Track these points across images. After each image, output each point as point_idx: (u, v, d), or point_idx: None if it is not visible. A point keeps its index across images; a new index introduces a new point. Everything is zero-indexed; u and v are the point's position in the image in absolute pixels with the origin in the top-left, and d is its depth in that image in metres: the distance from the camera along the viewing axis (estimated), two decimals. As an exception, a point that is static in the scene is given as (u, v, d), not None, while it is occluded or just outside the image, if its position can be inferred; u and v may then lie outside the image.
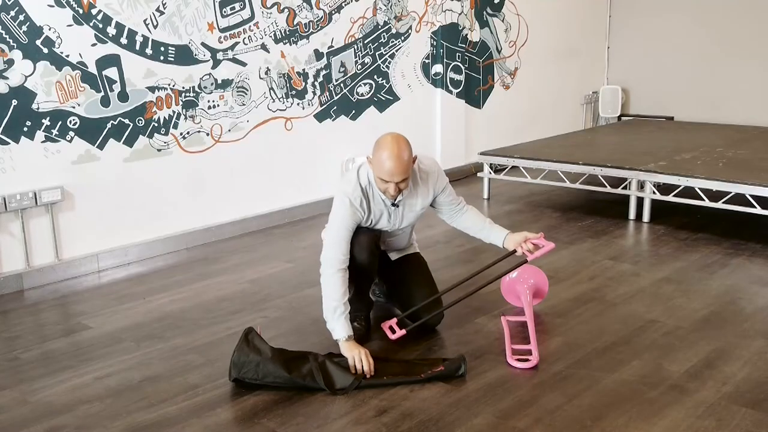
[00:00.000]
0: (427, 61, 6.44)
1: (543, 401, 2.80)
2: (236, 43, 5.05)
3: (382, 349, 3.28)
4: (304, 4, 5.41)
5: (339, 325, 3.05)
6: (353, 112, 5.90)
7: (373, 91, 6.02)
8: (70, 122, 4.34)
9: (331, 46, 5.64)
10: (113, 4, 4.43)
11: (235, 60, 5.06)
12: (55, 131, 4.29)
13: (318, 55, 5.56)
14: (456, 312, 3.64)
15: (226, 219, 5.19)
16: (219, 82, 4.99)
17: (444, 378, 2.95)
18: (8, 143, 4.12)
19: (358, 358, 2.95)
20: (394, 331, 3.32)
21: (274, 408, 2.79)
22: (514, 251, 3.31)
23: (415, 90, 6.39)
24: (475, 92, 6.97)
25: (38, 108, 4.20)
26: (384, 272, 3.56)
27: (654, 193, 5.17)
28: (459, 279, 3.51)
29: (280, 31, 5.30)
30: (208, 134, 5.00)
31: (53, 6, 4.19)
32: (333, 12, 5.61)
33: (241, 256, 4.74)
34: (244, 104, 5.17)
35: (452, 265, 4.39)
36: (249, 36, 5.12)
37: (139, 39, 4.57)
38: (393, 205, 3.23)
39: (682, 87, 7.89)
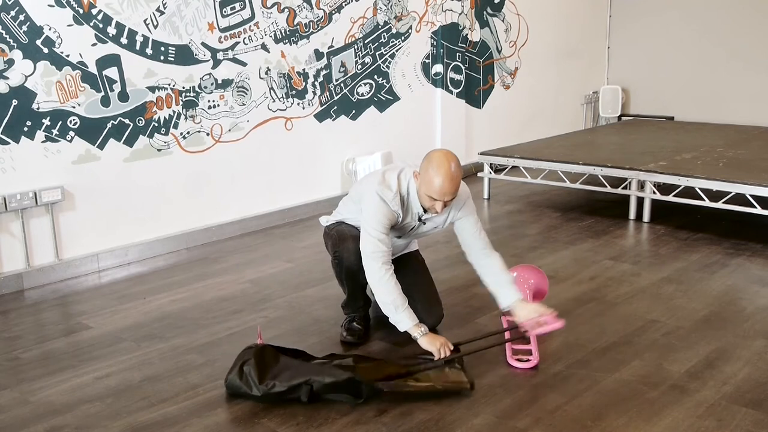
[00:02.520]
0: (427, 61, 6.44)
1: (543, 401, 2.80)
2: (236, 43, 5.05)
3: (385, 349, 3.29)
4: (305, 4, 5.41)
5: (405, 317, 3.03)
6: (353, 112, 5.90)
7: (373, 91, 6.02)
8: (71, 122, 4.34)
9: (332, 46, 5.64)
10: (113, 4, 4.43)
11: (235, 60, 5.06)
12: (55, 131, 4.29)
13: (318, 55, 5.56)
14: (456, 312, 3.65)
15: (226, 219, 5.19)
16: (219, 81, 4.99)
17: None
18: (8, 143, 4.12)
19: (444, 349, 2.97)
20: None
21: (274, 408, 2.79)
22: (518, 326, 3.13)
23: (416, 90, 6.39)
24: (475, 92, 6.96)
25: (38, 108, 4.20)
26: None
27: (654, 193, 5.17)
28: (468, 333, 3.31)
29: (281, 31, 5.30)
30: (208, 134, 5.00)
31: (53, 6, 4.19)
32: (333, 12, 5.61)
33: (241, 256, 4.74)
34: (244, 104, 5.17)
35: (452, 265, 4.38)
36: (249, 36, 5.12)
37: (139, 39, 4.57)
38: (419, 219, 3.22)
39: (682, 87, 7.89)
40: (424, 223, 3.26)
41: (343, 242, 3.31)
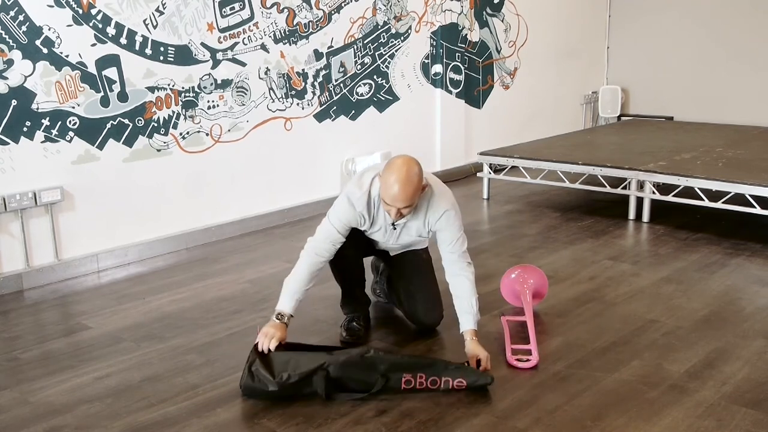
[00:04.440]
0: (426, 61, 6.44)
1: (543, 401, 2.80)
2: (236, 43, 5.05)
3: (384, 350, 3.28)
4: (304, 4, 5.41)
5: (282, 301, 3.07)
6: (353, 112, 5.90)
7: (372, 91, 6.02)
8: (70, 122, 4.34)
9: (331, 46, 5.64)
10: (113, 4, 4.43)
11: (234, 60, 5.06)
12: (54, 131, 4.29)
13: (318, 55, 5.56)
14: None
15: (226, 219, 5.19)
16: (219, 82, 4.99)
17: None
18: (8, 143, 4.12)
19: (269, 337, 2.90)
20: None
21: (274, 408, 2.79)
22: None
23: (415, 90, 6.39)
24: (474, 92, 6.96)
25: (38, 108, 4.20)
26: (385, 268, 3.55)
27: (653, 193, 5.17)
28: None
29: (280, 31, 5.30)
30: (207, 134, 5.00)
31: (53, 6, 4.19)
32: (333, 12, 5.61)
33: (241, 256, 4.74)
34: (243, 104, 5.17)
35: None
36: (249, 36, 5.12)
37: (138, 39, 4.57)
38: (392, 225, 3.19)
39: (682, 87, 7.89)
40: (395, 229, 3.21)
41: (337, 239, 3.31)
